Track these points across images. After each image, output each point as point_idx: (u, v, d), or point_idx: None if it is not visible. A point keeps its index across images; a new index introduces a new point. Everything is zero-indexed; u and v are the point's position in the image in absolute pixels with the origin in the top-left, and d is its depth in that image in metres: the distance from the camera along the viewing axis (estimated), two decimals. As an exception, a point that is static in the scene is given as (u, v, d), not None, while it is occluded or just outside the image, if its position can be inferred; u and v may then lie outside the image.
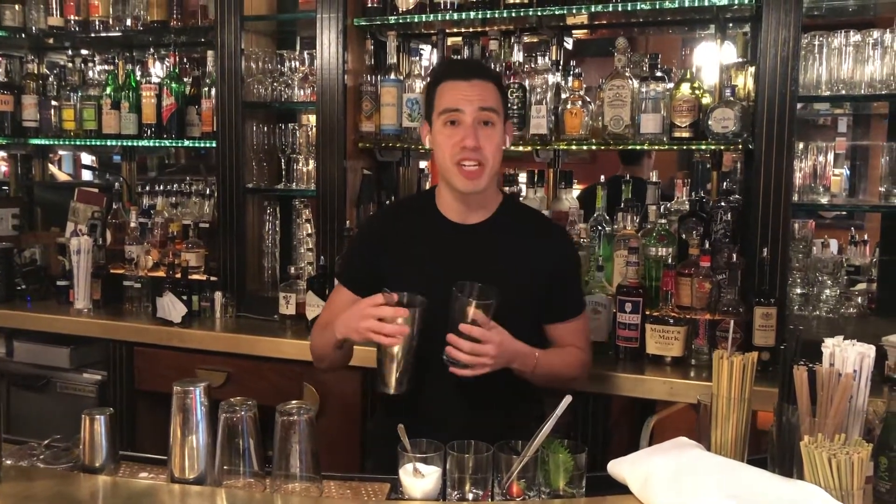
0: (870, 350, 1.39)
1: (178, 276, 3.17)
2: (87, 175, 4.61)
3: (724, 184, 2.92)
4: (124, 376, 3.12)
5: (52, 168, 4.55)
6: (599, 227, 2.84)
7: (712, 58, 2.92)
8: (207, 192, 3.49)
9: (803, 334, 2.55)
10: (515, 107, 2.81)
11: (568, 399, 1.56)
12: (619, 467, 1.49)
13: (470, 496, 1.50)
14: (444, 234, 1.98)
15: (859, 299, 2.77)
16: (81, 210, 3.61)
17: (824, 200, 2.65)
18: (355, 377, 2.73)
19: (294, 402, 1.55)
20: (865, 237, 3.46)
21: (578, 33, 3.25)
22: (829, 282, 2.74)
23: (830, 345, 1.42)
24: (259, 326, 3.06)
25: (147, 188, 3.67)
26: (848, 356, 1.38)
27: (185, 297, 3.11)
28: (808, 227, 2.89)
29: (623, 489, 1.50)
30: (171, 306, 3.07)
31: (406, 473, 1.50)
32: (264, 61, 3.23)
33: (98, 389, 3.16)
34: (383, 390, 1.81)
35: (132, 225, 3.40)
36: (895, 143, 2.62)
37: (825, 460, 1.23)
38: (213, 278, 3.24)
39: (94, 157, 4.46)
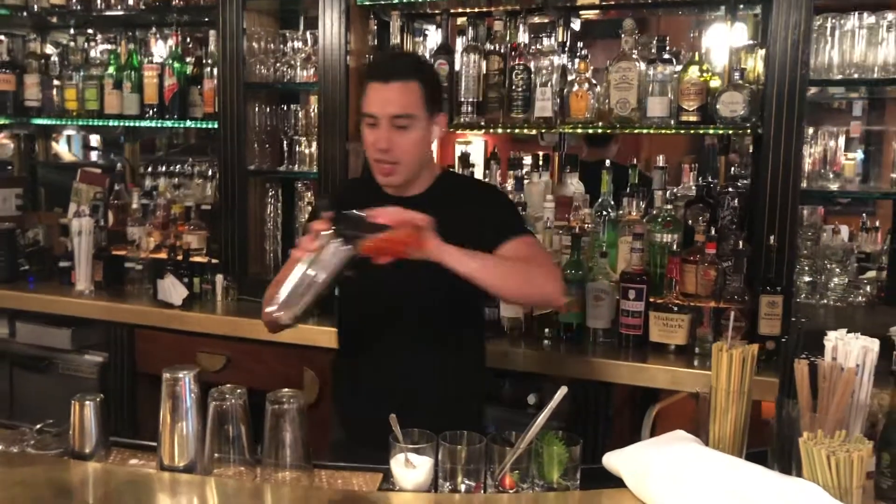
0: (873, 344, 1.35)
1: (180, 258, 3.15)
2: (93, 155, 4.59)
3: (732, 169, 2.86)
4: (125, 358, 3.12)
5: (57, 147, 4.53)
6: (604, 213, 2.80)
7: (722, 40, 2.86)
8: (210, 173, 3.46)
9: (808, 324, 2.54)
10: (520, 89, 2.77)
11: (563, 390, 1.52)
12: (614, 460, 1.46)
13: (462, 487, 1.47)
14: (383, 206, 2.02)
15: (868, 288, 2.72)
16: (84, 191, 3.59)
17: (834, 187, 2.60)
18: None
19: (285, 390, 1.52)
20: (877, 223, 3.39)
21: (586, 14, 3.18)
22: (837, 270, 2.69)
23: (833, 338, 1.38)
24: (260, 310, 3.02)
25: (150, 169, 3.65)
26: (851, 350, 1.34)
27: (186, 280, 3.10)
28: (817, 213, 2.83)
29: (619, 482, 1.47)
30: (172, 288, 3.05)
31: (398, 464, 1.48)
32: (267, 41, 3.19)
33: (99, 371, 3.15)
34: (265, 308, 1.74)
35: (134, 206, 3.39)
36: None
37: (824, 458, 1.20)
38: (214, 261, 3.22)
39: (98, 137, 4.43)
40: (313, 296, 1.65)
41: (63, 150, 4.66)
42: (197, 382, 1.55)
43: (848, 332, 1.40)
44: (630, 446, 1.47)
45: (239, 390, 1.53)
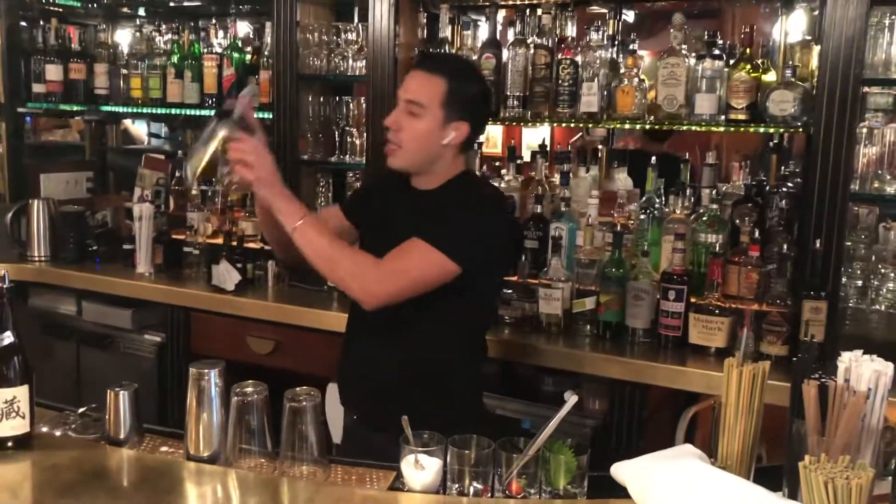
0: (887, 368, 1.32)
1: (235, 244, 3.26)
2: (155, 141, 4.76)
3: (782, 168, 2.78)
4: (181, 340, 3.25)
5: (128, 124, 4.67)
6: (650, 210, 2.76)
7: (779, 35, 2.78)
8: (267, 161, 3.54)
9: (849, 330, 2.47)
10: (566, 83, 2.75)
11: (574, 399, 1.54)
12: (621, 471, 1.47)
13: (470, 490, 1.50)
14: (400, 194, 2.14)
15: (924, 294, 2.61)
16: (148, 176, 3.73)
17: (891, 189, 2.50)
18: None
19: (303, 388, 1.58)
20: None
21: (642, 5, 3.13)
22: (891, 274, 2.59)
23: (847, 359, 1.35)
24: (308, 297, 3.12)
25: (210, 156, 3.75)
26: (863, 373, 1.31)
27: (240, 265, 3.20)
28: (873, 213, 2.73)
29: (626, 492, 1.48)
30: (226, 274, 3.16)
31: (407, 465, 1.52)
32: (320, 33, 3.24)
33: (157, 351, 3.29)
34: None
35: (193, 192, 3.51)
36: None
37: (821, 484, 1.18)
38: (267, 247, 3.31)
39: (163, 124, 4.59)
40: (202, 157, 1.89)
41: (136, 129, 4.82)
42: (222, 377, 1.62)
43: (865, 352, 1.37)
44: (637, 458, 1.48)
45: (260, 387, 1.59)
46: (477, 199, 2.08)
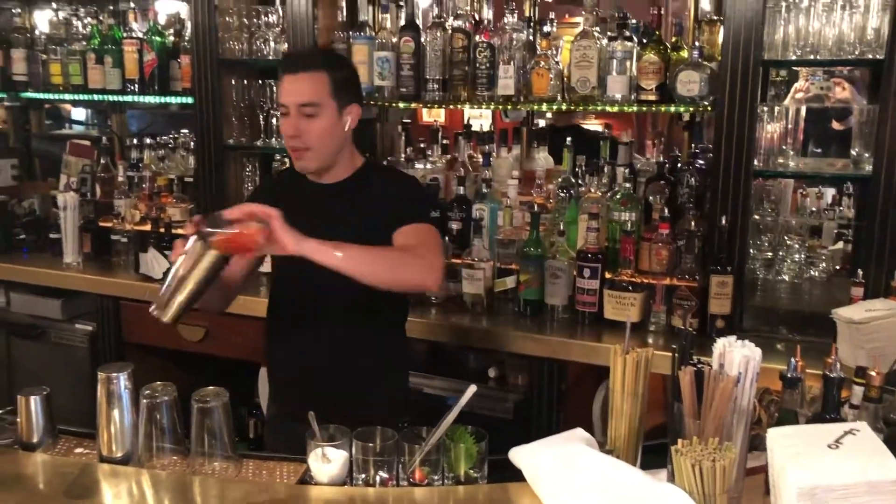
0: (755, 352, 1.40)
1: (163, 230, 3.25)
2: (80, 127, 4.67)
3: (693, 145, 2.87)
4: (112, 329, 3.24)
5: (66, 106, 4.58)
6: (568, 190, 2.83)
7: (691, 12, 2.84)
8: (192, 146, 3.53)
9: (758, 301, 2.58)
10: (484, 66, 2.78)
11: (472, 389, 1.60)
12: (516, 456, 1.54)
13: (376, 480, 1.57)
14: (308, 194, 2.14)
15: (825, 264, 2.73)
16: (73, 163, 3.69)
17: (792, 164, 2.59)
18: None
19: (210, 388, 1.62)
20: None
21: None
22: (796, 245, 2.71)
23: (721, 345, 1.43)
24: (238, 282, 3.13)
25: (136, 141, 3.72)
26: (734, 359, 1.39)
27: (168, 252, 3.18)
28: (781, 185, 2.84)
29: (523, 475, 1.55)
30: (155, 262, 3.16)
31: (314, 458, 1.57)
32: (240, 16, 3.21)
33: (89, 340, 3.29)
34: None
35: (120, 179, 3.48)
36: (869, 107, 2.54)
37: (689, 466, 1.26)
38: (195, 233, 3.31)
39: (89, 110, 4.51)
40: (186, 295, 1.71)
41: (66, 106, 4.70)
42: (131, 380, 1.65)
43: (738, 338, 1.45)
44: (531, 443, 1.55)
45: (169, 387, 1.63)
46: (406, 178, 2.26)
